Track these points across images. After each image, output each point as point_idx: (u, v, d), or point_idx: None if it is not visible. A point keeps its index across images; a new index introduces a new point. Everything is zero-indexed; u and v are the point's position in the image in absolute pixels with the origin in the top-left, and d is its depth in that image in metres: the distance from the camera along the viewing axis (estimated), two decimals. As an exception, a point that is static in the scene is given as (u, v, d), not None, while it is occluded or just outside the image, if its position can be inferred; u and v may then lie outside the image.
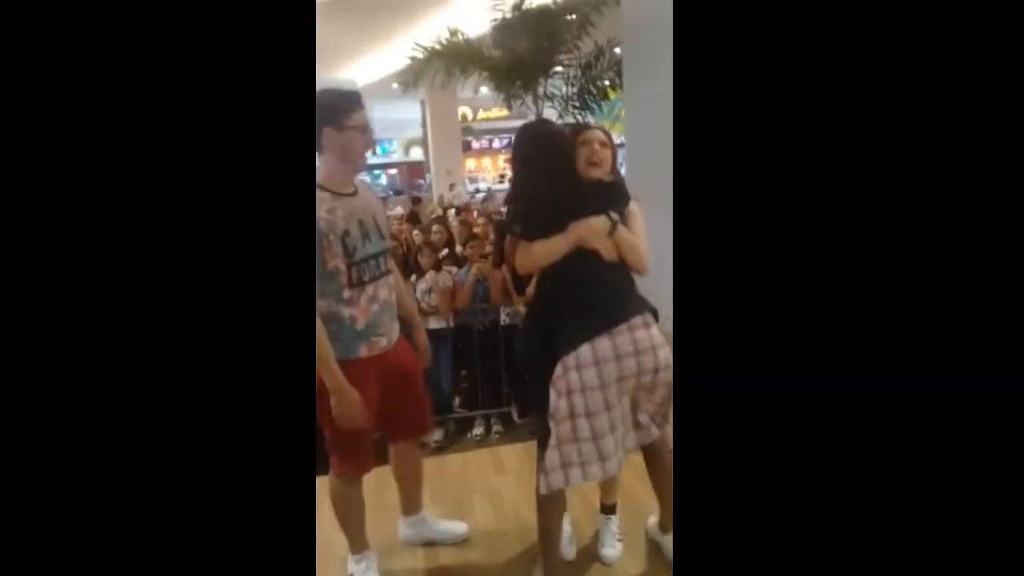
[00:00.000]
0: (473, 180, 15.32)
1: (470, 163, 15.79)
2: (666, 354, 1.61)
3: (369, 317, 1.68)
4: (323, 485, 1.77)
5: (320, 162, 1.65)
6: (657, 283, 1.64)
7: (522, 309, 2.54)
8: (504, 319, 3.71)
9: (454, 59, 6.11)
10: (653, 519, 1.97)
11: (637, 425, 1.70)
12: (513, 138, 1.82)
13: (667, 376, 1.63)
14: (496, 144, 16.88)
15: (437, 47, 6.19)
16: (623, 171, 2.67)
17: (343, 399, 1.58)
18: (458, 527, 2.09)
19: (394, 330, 1.79)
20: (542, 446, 1.65)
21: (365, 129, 1.63)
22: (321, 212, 1.57)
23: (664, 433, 1.74)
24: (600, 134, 1.71)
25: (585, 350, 1.54)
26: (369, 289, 1.67)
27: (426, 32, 6.36)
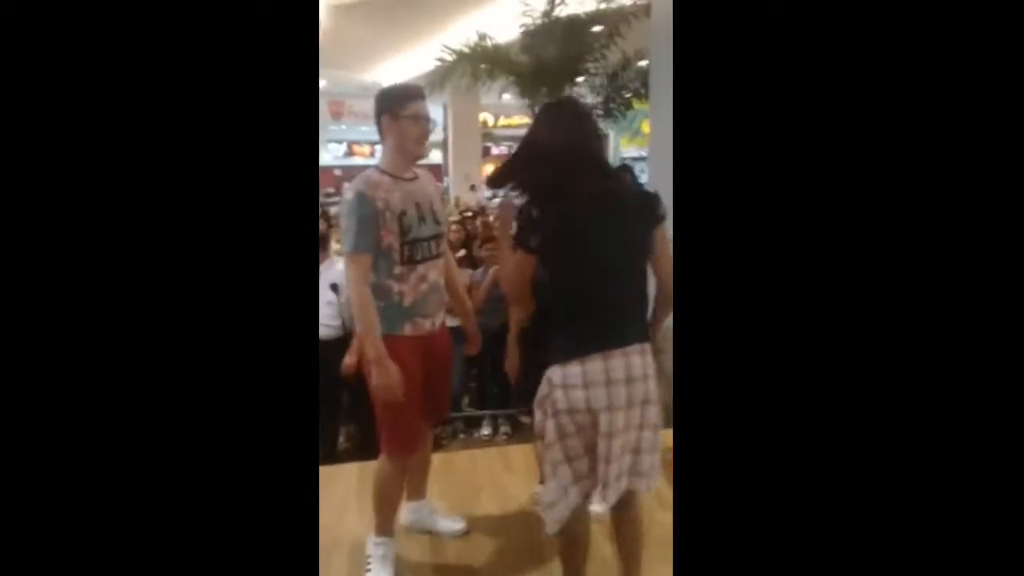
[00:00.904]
0: (491, 186, 15.28)
1: (488, 168, 15.81)
2: (655, 386, 1.44)
3: (417, 296, 1.73)
4: (340, 471, 1.77)
5: (382, 149, 1.76)
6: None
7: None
8: (518, 321, 3.72)
9: (481, 62, 6.14)
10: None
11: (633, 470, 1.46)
12: (534, 122, 1.54)
13: (655, 415, 1.44)
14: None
15: (465, 50, 6.22)
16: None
17: (383, 371, 1.63)
18: (456, 523, 2.11)
19: (439, 315, 1.83)
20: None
21: (420, 119, 1.71)
22: (379, 193, 1.66)
23: (649, 483, 1.47)
24: None
25: (574, 369, 1.38)
26: (420, 269, 1.73)
27: (454, 36, 6.40)
